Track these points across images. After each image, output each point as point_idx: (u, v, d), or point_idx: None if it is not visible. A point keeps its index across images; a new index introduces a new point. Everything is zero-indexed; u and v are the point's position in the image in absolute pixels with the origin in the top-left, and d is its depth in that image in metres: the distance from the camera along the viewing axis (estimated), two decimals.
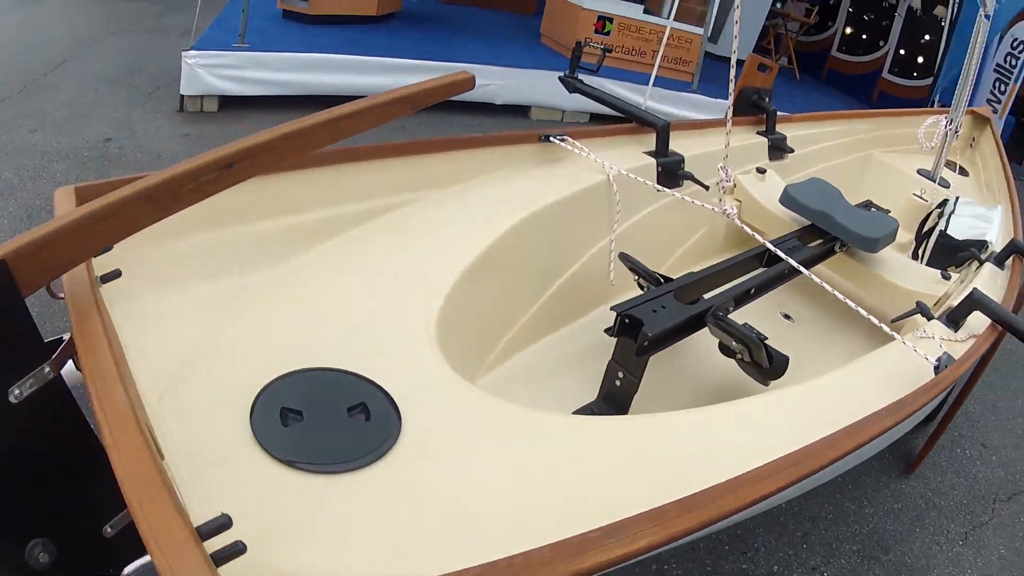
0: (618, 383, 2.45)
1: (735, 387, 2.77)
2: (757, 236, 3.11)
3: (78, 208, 1.36)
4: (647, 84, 7.87)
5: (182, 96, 5.92)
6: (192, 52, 5.75)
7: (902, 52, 12.01)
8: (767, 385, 2.56)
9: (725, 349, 2.57)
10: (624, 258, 2.82)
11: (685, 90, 8.29)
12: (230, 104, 6.05)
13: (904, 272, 3.41)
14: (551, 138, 3.03)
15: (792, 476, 1.68)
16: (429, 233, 2.36)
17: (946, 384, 2.33)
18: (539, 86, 7.52)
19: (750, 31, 10.72)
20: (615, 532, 1.38)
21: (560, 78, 3.63)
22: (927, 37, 11.69)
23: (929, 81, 11.35)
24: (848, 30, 12.84)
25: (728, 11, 9.55)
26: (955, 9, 10.52)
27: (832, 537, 3.55)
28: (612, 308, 2.45)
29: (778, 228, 3.45)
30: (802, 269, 2.84)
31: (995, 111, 10.85)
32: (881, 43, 12.30)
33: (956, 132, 4.88)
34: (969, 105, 9.84)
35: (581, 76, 3.63)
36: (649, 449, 1.77)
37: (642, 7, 8.32)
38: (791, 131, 4.35)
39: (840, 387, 2.27)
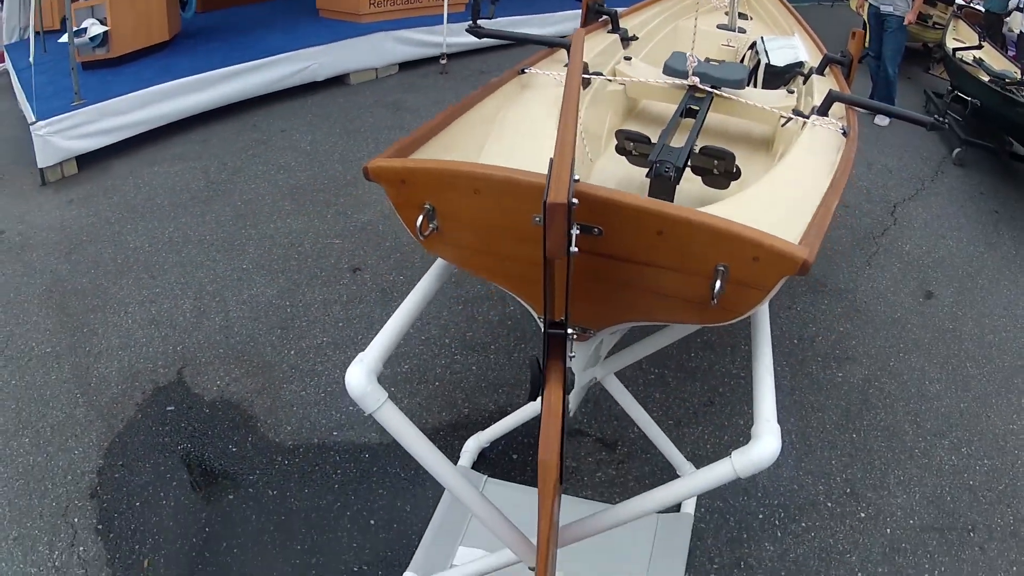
0: None
1: (701, 198, 3.43)
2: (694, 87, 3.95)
3: None
4: (434, 24, 8.53)
5: (41, 170, 5.88)
6: (40, 124, 5.75)
7: None
8: (727, 188, 3.37)
9: (700, 170, 3.33)
10: (620, 132, 3.48)
11: (469, 19, 8.98)
12: (85, 161, 6.09)
13: (763, 98, 4.17)
14: (525, 71, 3.63)
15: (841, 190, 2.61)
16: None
17: (856, 141, 3.32)
18: (350, 54, 7.95)
19: None
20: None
21: (467, 29, 4.17)
22: None
23: None
24: None
25: None
26: None
27: (787, 286, 4.65)
28: (651, 162, 3.12)
29: (670, 94, 4.17)
30: (728, 92, 3.92)
31: None
32: None
33: None
34: None
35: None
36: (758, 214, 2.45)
37: None
38: (626, 23, 5.12)
39: (801, 160, 3.09)
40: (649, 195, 3.11)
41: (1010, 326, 5.29)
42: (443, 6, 8.49)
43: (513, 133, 2.97)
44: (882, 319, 5.04)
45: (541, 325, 1.98)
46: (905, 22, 9.28)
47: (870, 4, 9.64)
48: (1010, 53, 13.83)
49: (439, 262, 2.60)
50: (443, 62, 8.69)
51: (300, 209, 5.41)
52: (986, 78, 9.14)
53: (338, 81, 7.99)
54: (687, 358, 4.32)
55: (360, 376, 2.08)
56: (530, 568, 2.27)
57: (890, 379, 4.47)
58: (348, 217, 5.38)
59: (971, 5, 17.14)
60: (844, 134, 3.41)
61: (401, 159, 2.25)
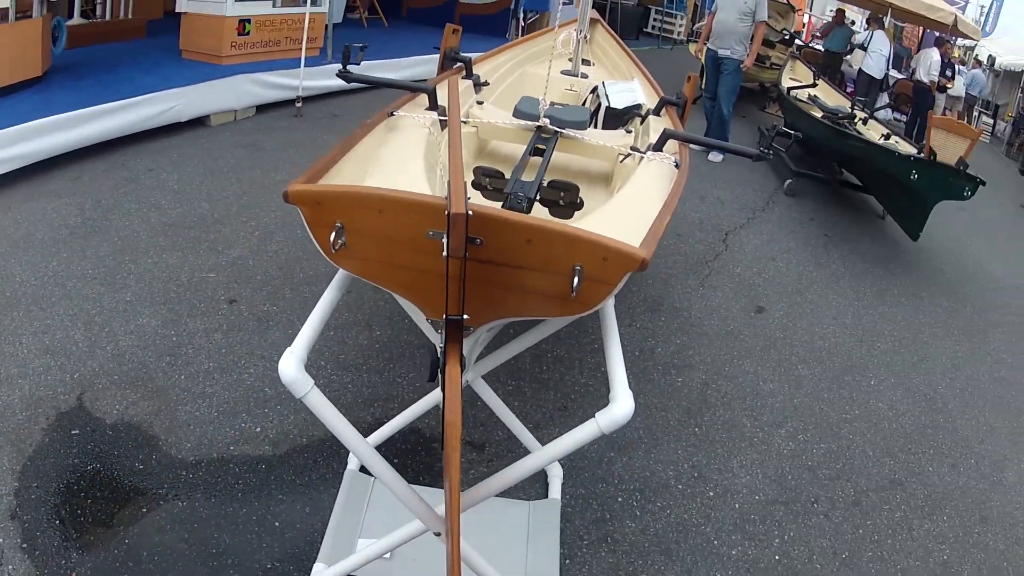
0: None
1: None
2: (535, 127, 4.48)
3: None
4: (292, 68, 8.91)
5: None
6: None
7: None
8: (571, 217, 3.87)
9: (547, 201, 3.86)
10: (477, 169, 3.99)
11: (323, 63, 9.55)
12: None
13: (604, 137, 4.71)
14: (393, 113, 4.11)
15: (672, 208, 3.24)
16: None
17: (686, 172, 3.90)
18: (211, 96, 8.22)
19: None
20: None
21: (337, 74, 4.50)
22: None
23: None
24: None
25: None
26: None
27: (627, 306, 5.69)
28: (506, 194, 3.70)
29: (519, 135, 4.65)
30: (572, 133, 4.47)
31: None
32: None
33: (587, 38, 6.62)
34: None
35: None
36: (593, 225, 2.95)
37: (271, 3, 9.18)
38: (479, 70, 5.63)
39: (638, 189, 3.67)
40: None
41: (839, 333, 6.06)
42: (301, 49, 8.91)
43: (389, 169, 3.39)
44: (716, 331, 5.70)
45: (428, 327, 2.60)
46: (743, 66, 9.93)
47: (708, 48, 10.31)
48: (849, 89, 15.03)
49: (341, 273, 2.99)
50: (298, 105, 9.08)
51: (174, 245, 5.68)
52: (819, 114, 9.98)
53: (199, 122, 8.26)
54: (540, 371, 4.82)
55: (292, 365, 2.51)
56: (435, 534, 2.74)
57: (726, 382, 5.11)
58: (219, 253, 5.67)
59: (811, 45, 18.47)
60: (676, 166, 3.96)
61: (316, 185, 2.68)
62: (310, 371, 2.57)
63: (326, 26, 9.88)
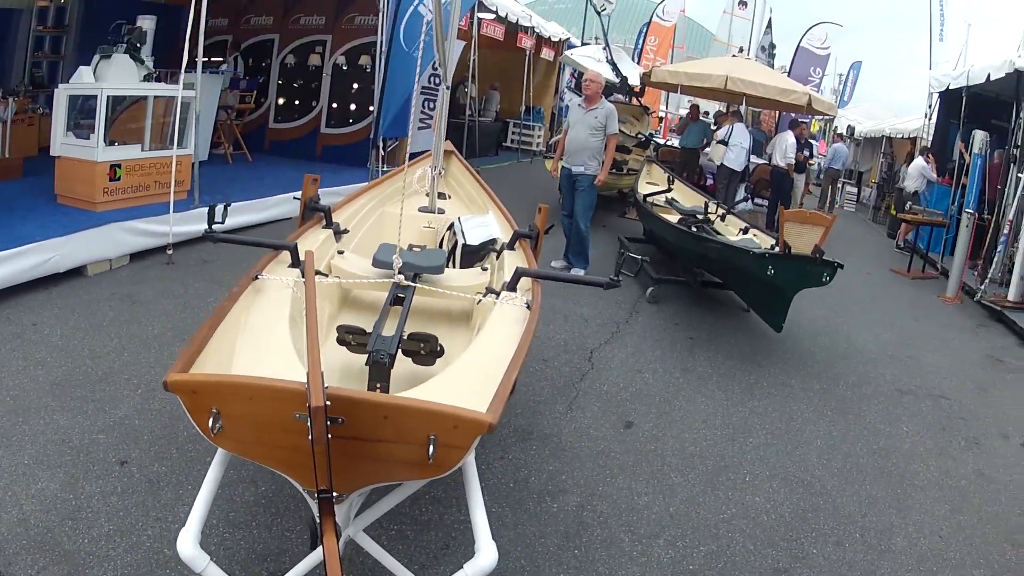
0: (378, 389, 3.96)
1: (413, 375, 4.30)
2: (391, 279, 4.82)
3: None
4: (162, 213, 9.23)
5: None
6: None
7: (335, 106, 14.16)
8: (433, 364, 4.30)
9: (410, 353, 4.25)
10: (340, 327, 4.37)
11: (191, 207, 9.85)
12: None
13: (460, 279, 5.19)
14: (258, 276, 4.48)
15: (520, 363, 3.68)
16: None
17: (537, 313, 4.36)
18: (88, 245, 8.48)
19: (207, 134, 12.28)
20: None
21: (203, 233, 4.91)
22: (356, 86, 13.93)
23: (363, 124, 13.83)
24: (280, 101, 14.63)
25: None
26: (380, 57, 12.68)
27: (498, 439, 5.90)
28: (368, 351, 4.01)
29: (380, 284, 4.98)
30: (429, 280, 4.89)
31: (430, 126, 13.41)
32: (314, 103, 14.34)
33: (442, 173, 7.08)
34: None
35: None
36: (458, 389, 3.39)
37: (139, 146, 9.55)
38: (338, 217, 6.04)
39: (492, 337, 4.11)
40: (369, 380, 3.97)
41: (709, 436, 6.45)
42: (169, 193, 9.26)
43: (259, 335, 3.78)
44: (587, 453, 6.01)
45: (307, 495, 2.92)
46: (596, 182, 10.34)
47: (563, 165, 10.75)
48: (709, 183, 15.86)
49: (221, 451, 3.35)
50: (170, 252, 9.37)
51: (63, 405, 5.87)
52: (676, 218, 10.44)
53: (77, 272, 8.51)
54: (420, 512, 5.01)
55: (188, 544, 2.90)
56: None
57: (601, 501, 5.38)
58: (107, 412, 5.83)
59: (668, 143, 19.37)
60: (528, 307, 4.41)
61: (192, 375, 3.01)
62: (204, 529, 2.95)
63: (193, 165, 10.22)
